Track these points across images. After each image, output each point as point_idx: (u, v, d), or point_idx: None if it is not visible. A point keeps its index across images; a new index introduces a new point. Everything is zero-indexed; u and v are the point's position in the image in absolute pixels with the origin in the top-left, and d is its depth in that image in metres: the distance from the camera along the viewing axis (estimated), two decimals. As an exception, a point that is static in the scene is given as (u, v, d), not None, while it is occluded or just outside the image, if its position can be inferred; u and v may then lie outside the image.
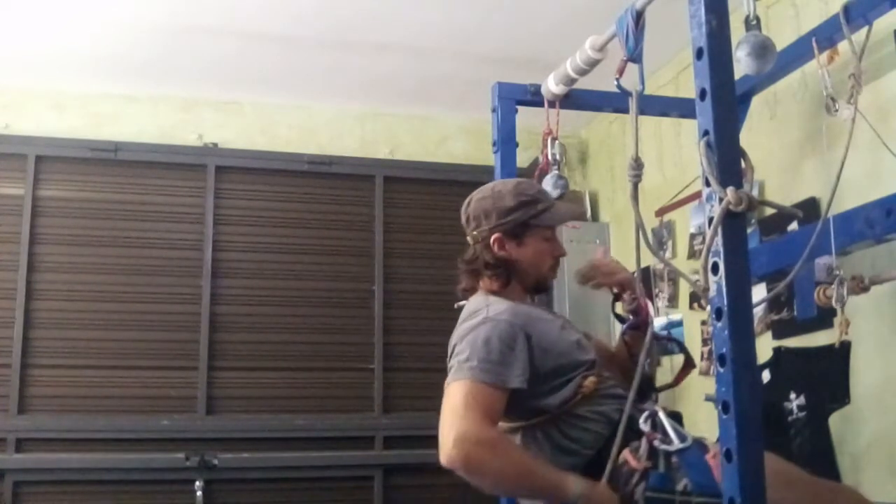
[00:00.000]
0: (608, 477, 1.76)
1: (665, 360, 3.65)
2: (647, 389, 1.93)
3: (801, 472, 1.94)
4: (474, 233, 2.04)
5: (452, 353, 1.86)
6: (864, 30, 2.24)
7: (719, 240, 1.53)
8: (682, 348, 2.21)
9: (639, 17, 2.12)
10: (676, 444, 1.76)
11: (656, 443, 1.77)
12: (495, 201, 2.03)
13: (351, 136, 4.40)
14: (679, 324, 3.60)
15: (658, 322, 3.68)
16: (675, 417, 1.88)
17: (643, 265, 3.66)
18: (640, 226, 1.88)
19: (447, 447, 1.70)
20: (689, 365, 2.11)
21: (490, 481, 1.75)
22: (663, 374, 3.59)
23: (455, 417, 1.72)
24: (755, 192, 2.15)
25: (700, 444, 1.81)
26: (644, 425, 1.80)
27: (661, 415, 1.82)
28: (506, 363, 1.79)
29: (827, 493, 1.97)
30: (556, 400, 1.85)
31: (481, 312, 1.89)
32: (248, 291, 4.12)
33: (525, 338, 1.84)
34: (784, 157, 3.01)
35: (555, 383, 1.86)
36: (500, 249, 2.00)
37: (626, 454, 1.77)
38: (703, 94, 1.61)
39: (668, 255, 3.66)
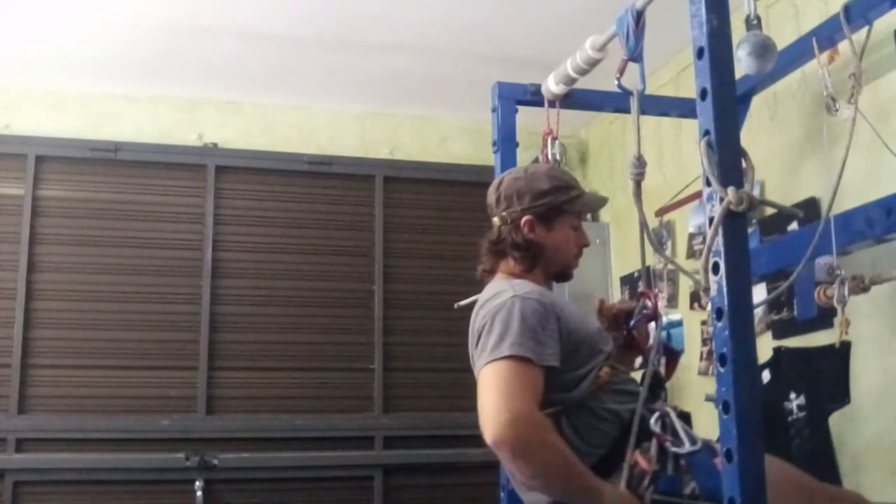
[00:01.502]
0: (626, 482, 1.73)
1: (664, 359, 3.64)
2: (658, 388, 1.92)
3: (805, 477, 1.93)
4: (503, 213, 1.99)
5: (481, 332, 1.81)
6: (864, 30, 2.24)
7: (720, 240, 1.54)
8: (666, 346, 2.15)
9: (639, 16, 2.13)
10: (687, 446, 1.75)
11: (667, 444, 1.76)
12: (529, 182, 2.00)
13: (351, 136, 4.40)
14: (679, 324, 3.60)
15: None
16: (684, 418, 1.87)
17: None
18: (643, 223, 1.89)
19: (498, 426, 1.63)
20: (671, 355, 2.08)
21: (534, 468, 1.68)
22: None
23: (504, 397, 1.66)
24: (755, 192, 2.15)
25: (709, 448, 1.79)
26: (655, 426, 1.79)
27: (673, 416, 1.81)
28: (541, 341, 1.75)
29: (830, 499, 1.97)
30: (573, 392, 1.82)
31: (507, 291, 1.83)
32: (248, 291, 4.12)
33: (556, 318, 1.81)
34: (784, 157, 3.01)
35: (577, 373, 1.83)
36: (529, 232, 1.97)
37: (637, 455, 1.75)
38: (703, 94, 1.61)
39: (667, 254, 3.66)
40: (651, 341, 2.02)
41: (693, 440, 1.77)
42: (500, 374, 1.70)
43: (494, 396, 1.68)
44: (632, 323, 2.08)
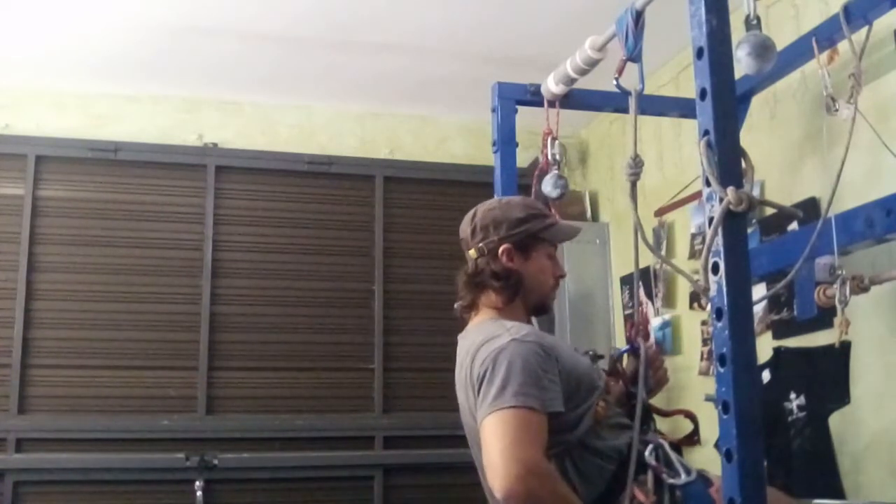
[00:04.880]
0: None
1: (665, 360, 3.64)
2: (646, 418, 1.91)
3: (783, 496, 1.95)
4: (480, 245, 1.97)
5: (482, 380, 1.75)
6: (864, 30, 2.24)
7: (719, 240, 1.54)
8: (694, 421, 2.16)
9: (638, 16, 2.13)
10: (683, 477, 1.76)
11: (664, 476, 1.77)
12: (505, 212, 1.99)
13: (351, 136, 4.40)
14: (669, 324, 3.61)
15: (655, 322, 3.68)
16: (675, 449, 1.87)
17: (644, 265, 3.68)
18: (637, 225, 1.88)
19: (508, 480, 1.60)
20: (694, 435, 2.09)
21: None
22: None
23: (513, 449, 1.63)
24: (755, 192, 2.15)
25: (703, 478, 1.81)
26: (650, 458, 1.79)
27: (666, 447, 1.82)
28: (544, 387, 1.72)
29: None
30: (574, 431, 1.80)
31: (503, 335, 1.79)
32: (248, 291, 4.12)
33: (555, 360, 1.79)
34: (784, 157, 3.01)
35: (577, 412, 1.81)
36: (508, 261, 1.95)
37: (635, 490, 1.75)
38: (703, 94, 1.61)
39: (665, 255, 3.66)
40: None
41: (688, 470, 1.78)
42: (507, 424, 1.66)
43: (502, 449, 1.64)
44: (615, 355, 2.09)
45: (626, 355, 2.10)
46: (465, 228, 2.04)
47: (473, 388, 1.80)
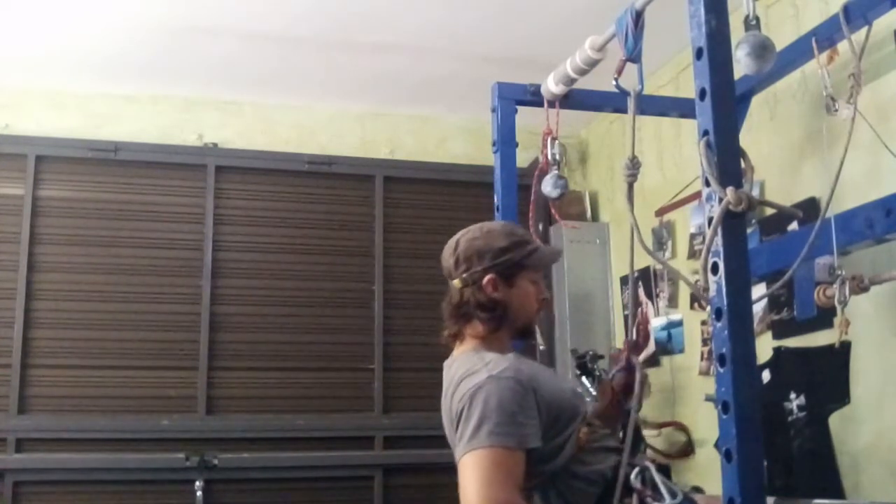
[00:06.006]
0: None
1: (665, 360, 3.65)
2: (637, 440, 1.91)
3: None
4: (464, 275, 1.94)
5: (459, 417, 1.76)
6: (864, 30, 2.24)
7: (719, 240, 1.54)
8: (686, 433, 2.16)
9: (638, 17, 2.13)
10: (668, 501, 1.76)
11: (648, 500, 1.77)
12: (488, 241, 1.96)
13: (351, 136, 4.40)
14: (679, 323, 3.60)
15: (658, 322, 3.69)
16: (664, 471, 1.87)
17: (644, 265, 3.69)
18: (634, 227, 1.88)
19: None
20: (688, 446, 2.09)
21: None
22: (662, 374, 3.60)
23: (487, 488, 1.64)
24: (755, 192, 2.15)
25: (689, 500, 1.82)
26: (635, 481, 1.79)
27: (653, 470, 1.82)
28: (521, 423, 1.72)
29: None
30: (556, 460, 1.80)
31: (481, 372, 1.79)
32: (248, 291, 4.12)
33: (533, 393, 1.77)
34: (784, 157, 3.01)
35: (557, 440, 1.81)
36: (493, 290, 1.92)
37: None
38: (703, 94, 1.62)
39: (667, 255, 3.66)
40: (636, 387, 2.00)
41: (673, 494, 1.78)
42: (481, 464, 1.67)
43: (477, 490, 1.65)
44: (610, 374, 2.09)
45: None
46: (447, 258, 2.00)
47: (452, 423, 1.81)
